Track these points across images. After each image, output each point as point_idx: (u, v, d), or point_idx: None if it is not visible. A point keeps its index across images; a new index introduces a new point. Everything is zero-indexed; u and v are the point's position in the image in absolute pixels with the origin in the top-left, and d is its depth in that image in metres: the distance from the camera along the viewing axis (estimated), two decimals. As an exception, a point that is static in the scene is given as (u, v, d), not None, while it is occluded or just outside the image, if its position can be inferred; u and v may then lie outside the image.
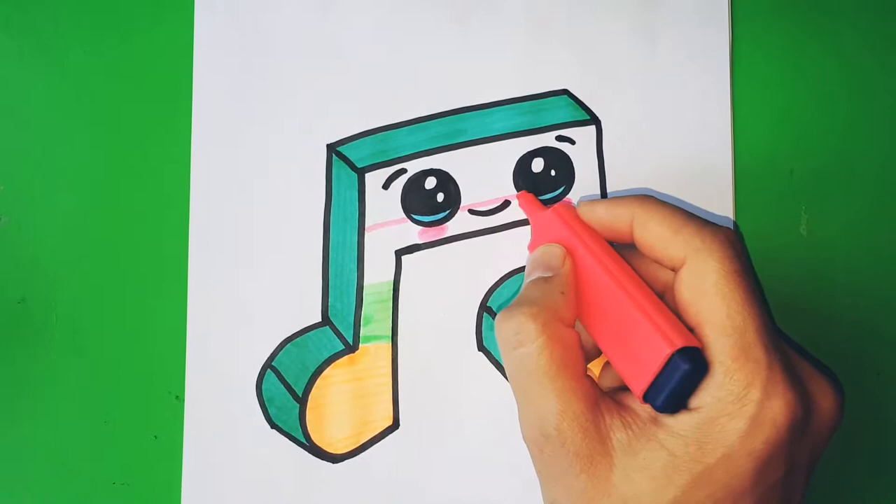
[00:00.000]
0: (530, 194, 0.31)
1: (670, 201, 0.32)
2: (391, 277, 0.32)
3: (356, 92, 0.32)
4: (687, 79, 0.33)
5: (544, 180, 0.32)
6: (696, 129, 0.32)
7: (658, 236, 0.25)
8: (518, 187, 0.32)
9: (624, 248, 0.27)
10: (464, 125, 0.32)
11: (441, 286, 0.32)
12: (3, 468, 0.32)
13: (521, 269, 0.32)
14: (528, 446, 0.25)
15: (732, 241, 0.25)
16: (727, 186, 0.32)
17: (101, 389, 0.32)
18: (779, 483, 0.23)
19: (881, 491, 0.33)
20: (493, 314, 0.32)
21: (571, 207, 0.28)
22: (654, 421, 0.24)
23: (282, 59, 0.33)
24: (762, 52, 0.33)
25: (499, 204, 0.32)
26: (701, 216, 0.27)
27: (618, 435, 0.24)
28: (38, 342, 0.32)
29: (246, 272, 0.32)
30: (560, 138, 0.32)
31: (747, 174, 0.33)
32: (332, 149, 0.32)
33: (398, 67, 0.33)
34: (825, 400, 0.25)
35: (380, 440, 0.32)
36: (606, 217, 0.27)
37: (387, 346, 0.32)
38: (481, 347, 0.32)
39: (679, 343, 0.23)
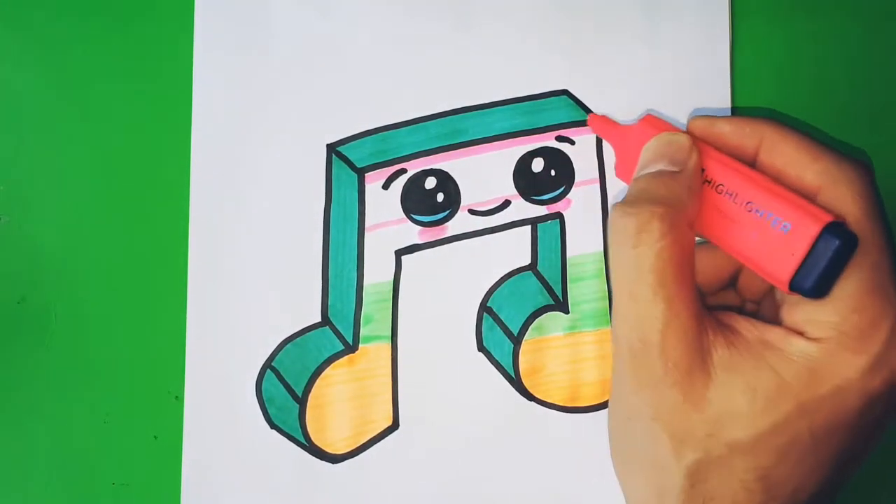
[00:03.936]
0: (600, 116, 0.30)
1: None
2: (391, 277, 0.32)
3: (356, 92, 0.32)
4: (687, 79, 0.33)
5: (544, 180, 0.32)
6: (696, 129, 0.32)
7: (793, 161, 0.24)
8: (518, 187, 0.32)
9: None
10: (464, 125, 0.32)
11: (441, 286, 0.32)
12: (3, 468, 0.32)
13: (522, 269, 0.32)
14: (617, 348, 0.25)
15: (869, 171, 0.24)
16: (727, 186, 0.32)
17: (101, 389, 0.32)
18: (872, 424, 0.23)
19: (884, 491, 0.33)
20: (493, 314, 0.32)
21: (665, 122, 0.28)
22: (765, 344, 0.23)
23: (282, 58, 0.33)
24: (763, 52, 0.33)
25: (499, 204, 0.32)
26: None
27: (720, 352, 0.23)
28: (38, 342, 0.32)
29: (246, 272, 0.32)
30: (560, 138, 0.32)
31: (747, 174, 0.33)
32: (331, 149, 0.32)
33: (398, 67, 0.33)
34: None
35: (379, 440, 0.32)
36: (732, 134, 0.26)
37: (387, 346, 0.32)
38: (481, 347, 0.32)
39: (826, 218, 0.22)
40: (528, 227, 0.32)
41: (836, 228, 0.22)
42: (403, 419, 0.32)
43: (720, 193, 0.25)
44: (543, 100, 0.32)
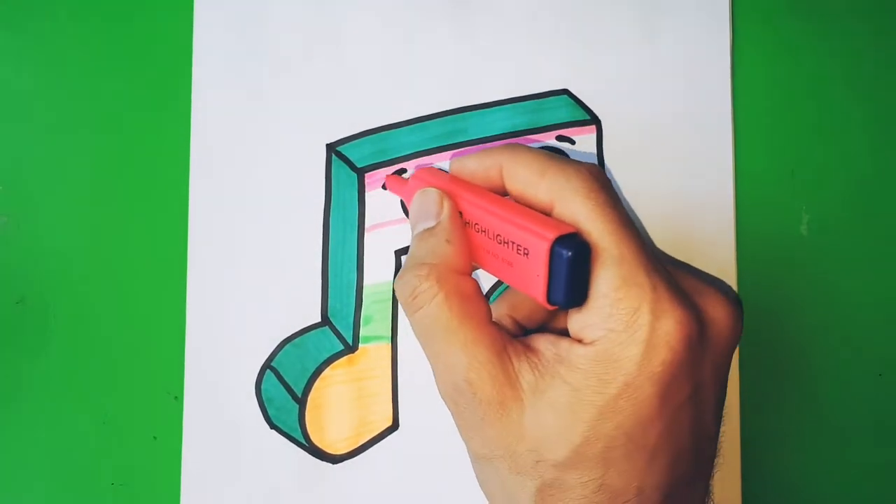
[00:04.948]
0: (393, 175, 0.31)
1: (669, 202, 0.32)
2: (391, 277, 0.32)
3: (356, 92, 0.32)
4: (687, 79, 0.33)
5: (544, 180, 0.32)
6: (697, 128, 0.32)
7: (525, 181, 0.25)
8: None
9: None
10: (464, 125, 0.32)
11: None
12: (2, 468, 0.32)
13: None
14: (446, 404, 0.25)
15: (596, 174, 0.24)
16: (728, 187, 0.32)
17: (100, 390, 0.32)
18: (686, 403, 0.23)
19: (883, 492, 0.33)
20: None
21: (434, 169, 0.29)
22: (558, 359, 0.24)
23: (281, 58, 0.33)
24: (763, 52, 0.33)
25: (499, 204, 0.32)
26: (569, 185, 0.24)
27: (526, 377, 0.24)
28: (37, 342, 0.32)
29: (245, 272, 0.32)
30: (560, 138, 0.32)
31: (748, 174, 0.33)
32: (331, 148, 0.32)
33: (398, 67, 0.33)
34: (718, 311, 0.24)
35: (379, 441, 0.32)
36: (478, 168, 0.27)
37: (386, 346, 0.32)
38: (481, 347, 0.32)
39: (552, 235, 0.23)
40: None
41: (565, 240, 0.23)
42: (403, 419, 0.32)
43: (477, 232, 0.26)
44: (544, 99, 0.32)
